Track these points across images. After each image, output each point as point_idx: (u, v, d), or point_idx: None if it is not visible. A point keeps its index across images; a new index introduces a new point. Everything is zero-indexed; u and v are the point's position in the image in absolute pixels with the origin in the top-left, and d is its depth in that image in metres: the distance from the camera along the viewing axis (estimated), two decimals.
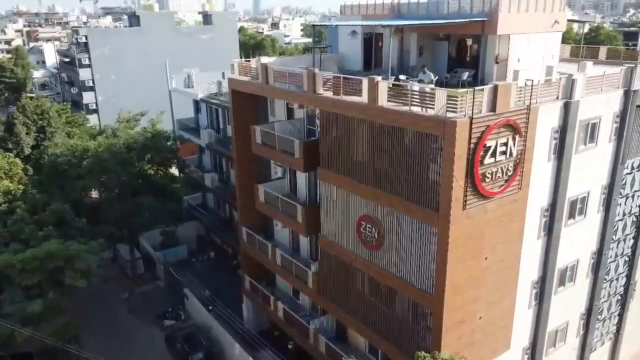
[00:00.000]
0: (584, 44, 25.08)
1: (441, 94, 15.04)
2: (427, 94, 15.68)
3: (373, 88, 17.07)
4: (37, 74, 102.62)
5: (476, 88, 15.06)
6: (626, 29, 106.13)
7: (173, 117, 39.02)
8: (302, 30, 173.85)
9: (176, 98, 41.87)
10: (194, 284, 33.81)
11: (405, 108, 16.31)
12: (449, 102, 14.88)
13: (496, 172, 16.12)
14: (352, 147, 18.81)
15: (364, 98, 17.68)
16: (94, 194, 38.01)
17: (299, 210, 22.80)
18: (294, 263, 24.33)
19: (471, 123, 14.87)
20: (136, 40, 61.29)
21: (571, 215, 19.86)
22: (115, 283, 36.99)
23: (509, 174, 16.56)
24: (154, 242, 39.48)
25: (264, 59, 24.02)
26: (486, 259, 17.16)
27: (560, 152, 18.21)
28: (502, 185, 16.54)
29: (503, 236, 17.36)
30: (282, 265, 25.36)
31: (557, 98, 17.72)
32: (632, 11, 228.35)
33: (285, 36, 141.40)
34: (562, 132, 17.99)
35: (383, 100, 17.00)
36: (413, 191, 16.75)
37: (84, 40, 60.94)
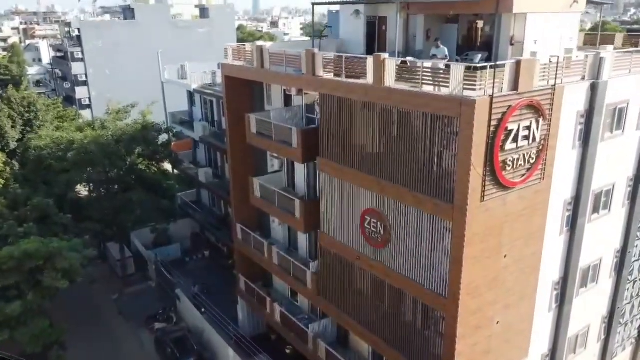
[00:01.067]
0: (595, 32, 23.32)
1: (458, 69, 13.29)
2: (441, 71, 13.94)
3: (379, 67, 15.32)
4: (32, 71, 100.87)
5: (497, 63, 13.30)
6: (628, 27, 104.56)
7: (166, 110, 37.29)
8: (301, 29, 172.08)
9: (170, 91, 40.05)
10: (187, 284, 32.07)
11: (416, 88, 14.57)
12: (466, 78, 13.14)
13: (518, 159, 14.37)
14: (355, 134, 17.07)
15: (368, 79, 15.95)
16: (84, 189, 36.33)
17: (297, 205, 21.05)
18: (291, 262, 22.58)
19: (491, 103, 13.12)
20: (131, 33, 59.53)
21: (595, 209, 18.11)
22: (105, 283, 35.35)
23: (532, 162, 14.81)
24: (147, 240, 37.71)
25: (260, 43, 22.29)
26: (505, 257, 15.41)
27: (586, 138, 16.48)
28: (523, 175, 14.79)
29: (523, 231, 15.62)
30: (279, 264, 23.61)
31: (583, 78, 15.99)
32: (633, 10, 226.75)
33: (285, 34, 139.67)
34: (588, 117, 16.26)
35: (390, 80, 15.26)
36: (424, 182, 14.99)
37: (76, 33, 59.14)
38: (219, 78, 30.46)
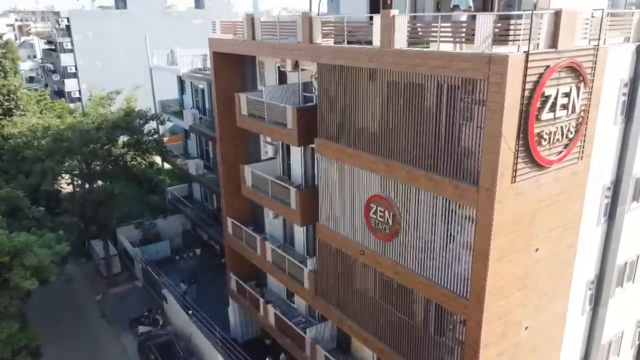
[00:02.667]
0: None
1: (486, 19, 10.90)
2: (464, 23, 11.56)
3: (388, 26, 12.93)
4: (25, 66, 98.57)
5: (535, 12, 10.91)
6: None
7: (154, 98, 34.90)
8: None
9: (161, 81, 37.56)
10: (176, 283, 29.70)
11: (432, 47, 12.21)
12: (497, 30, 10.76)
13: (555, 132, 12.00)
14: (358, 111, 14.69)
15: (375, 42, 13.58)
16: (65, 183, 33.93)
17: (292, 195, 18.68)
18: (286, 259, 20.20)
19: (527, 60, 10.74)
20: (122, 24, 57.03)
21: (635, 197, 15.72)
22: (88, 283, 32.99)
23: (570, 136, 12.43)
24: (134, 237, 35.33)
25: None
26: (537, 250, 13.02)
27: (630, 112, 14.11)
28: (560, 152, 12.41)
29: (558, 220, 13.23)
30: (272, 261, 21.22)
31: (628, 40, 13.62)
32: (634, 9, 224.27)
33: None
34: (633, 86, 13.88)
35: (401, 41, 12.89)
36: (441, 161, 12.60)
37: (65, 23, 56.70)
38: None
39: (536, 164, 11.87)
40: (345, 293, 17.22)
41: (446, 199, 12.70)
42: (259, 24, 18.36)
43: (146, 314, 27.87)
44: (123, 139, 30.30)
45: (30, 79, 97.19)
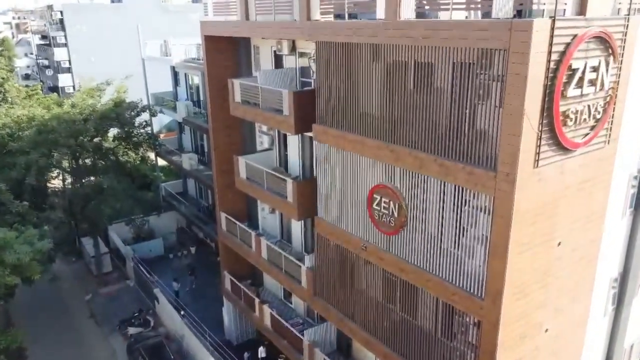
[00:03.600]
0: None
1: None
2: None
3: None
4: (21, 63, 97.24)
5: None
6: None
7: (147, 90, 33.57)
8: None
9: (155, 73, 36.29)
10: (169, 283, 28.43)
11: (442, 17, 10.93)
12: None
13: (581, 112, 10.70)
14: (361, 93, 13.40)
15: (379, 13, 12.30)
16: (55, 178, 32.61)
17: (289, 186, 17.39)
18: (282, 256, 18.91)
19: (553, 27, 9.44)
20: (117, 18, 55.73)
21: None
22: (78, 283, 31.68)
23: (597, 117, 11.13)
24: (127, 235, 34.03)
25: None
26: (559, 244, 11.73)
27: None
28: (586, 135, 11.11)
29: (582, 211, 11.93)
30: (268, 259, 19.92)
31: None
32: None
33: None
34: None
35: (408, 10, 11.61)
36: (453, 145, 11.31)
37: (59, 16, 55.40)
38: None
39: (561, 146, 10.57)
40: (346, 292, 15.94)
41: (459, 188, 11.40)
42: (253, 1, 17.07)
43: (136, 314, 26.58)
44: (114, 132, 29.04)
45: (27, 76, 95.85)
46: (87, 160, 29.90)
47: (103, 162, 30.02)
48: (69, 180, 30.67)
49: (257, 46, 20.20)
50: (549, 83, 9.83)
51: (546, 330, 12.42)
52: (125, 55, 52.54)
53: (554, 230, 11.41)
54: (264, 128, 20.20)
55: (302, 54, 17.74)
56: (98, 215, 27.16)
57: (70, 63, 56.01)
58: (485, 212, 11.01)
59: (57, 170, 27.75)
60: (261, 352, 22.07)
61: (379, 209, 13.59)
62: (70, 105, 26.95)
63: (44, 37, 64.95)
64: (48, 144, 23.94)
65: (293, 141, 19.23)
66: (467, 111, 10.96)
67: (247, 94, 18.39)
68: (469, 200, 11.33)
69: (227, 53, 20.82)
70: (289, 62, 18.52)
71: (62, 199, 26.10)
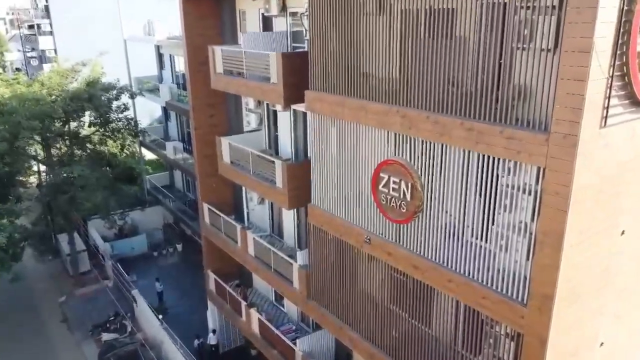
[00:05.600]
0: None
1: None
2: None
3: None
4: (12, 57, 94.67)
5: None
6: None
7: (129, 72, 30.90)
8: None
9: (139, 55, 33.56)
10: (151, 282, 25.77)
11: None
12: None
13: None
14: (363, 51, 10.73)
15: None
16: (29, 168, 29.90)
17: (278, 169, 14.71)
18: (271, 252, 16.23)
19: None
20: (106, 4, 52.91)
21: None
22: (53, 283, 29.03)
23: None
24: (110, 231, 31.31)
25: None
26: (622, 233, 9.04)
27: None
28: None
29: None
30: (255, 255, 17.24)
31: None
32: None
33: None
34: None
35: None
36: (483, 103, 8.62)
37: (44, 3, 52.68)
38: None
39: (635, 101, 7.89)
40: (346, 295, 13.25)
41: (492, 159, 8.70)
42: None
43: (112, 318, 23.90)
44: (90, 117, 26.33)
45: (18, 70, 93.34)
46: (62, 149, 27.27)
47: (80, 152, 27.42)
48: (45, 170, 27.98)
49: (242, 10, 17.53)
50: (623, 18, 7.14)
51: (601, 344, 9.74)
52: (115, 43, 49.93)
53: (617, 214, 8.73)
54: (251, 104, 17.51)
55: (293, 14, 15.07)
56: (70, 210, 24.43)
57: (56, 52, 53.18)
58: (528, 191, 8.32)
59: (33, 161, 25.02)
60: (210, 338, 21.19)
61: (386, 191, 10.89)
62: (40, 84, 24.21)
63: (30, 27, 62.28)
64: (9, 126, 21.14)
65: (284, 119, 16.56)
66: (503, 59, 8.28)
67: (230, 63, 15.72)
68: (507, 176, 8.63)
69: (209, 20, 18.18)
70: (279, 25, 15.87)
71: (40, 191, 23.33)
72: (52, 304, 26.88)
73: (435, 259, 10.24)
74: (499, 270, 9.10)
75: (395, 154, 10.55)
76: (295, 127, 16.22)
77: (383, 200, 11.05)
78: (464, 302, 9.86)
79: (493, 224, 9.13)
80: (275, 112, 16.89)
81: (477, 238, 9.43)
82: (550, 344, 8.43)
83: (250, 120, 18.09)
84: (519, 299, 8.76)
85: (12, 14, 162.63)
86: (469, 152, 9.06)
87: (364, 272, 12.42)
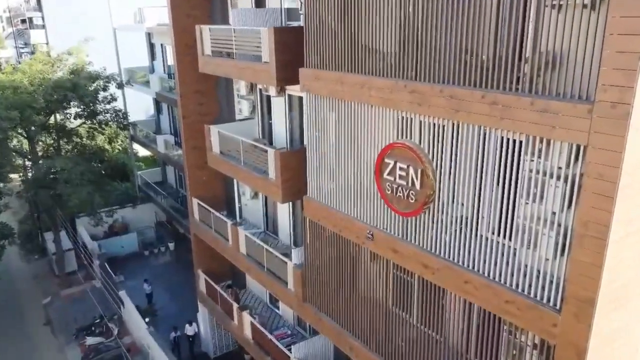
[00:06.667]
0: None
1: None
2: None
3: None
4: (7, 54, 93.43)
5: None
6: None
7: (119, 63, 29.52)
8: None
9: (130, 47, 32.15)
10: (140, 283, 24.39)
11: None
12: None
13: None
14: (365, 21, 9.38)
15: None
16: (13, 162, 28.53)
17: (271, 158, 13.34)
18: (264, 250, 14.87)
19: None
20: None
21: None
22: (38, 284, 27.70)
23: None
24: (98, 229, 29.91)
25: None
26: None
27: None
28: None
29: None
30: (247, 254, 15.89)
31: None
32: None
33: None
34: None
35: None
36: (507, 72, 7.26)
37: None
38: None
39: None
40: (345, 298, 11.89)
41: (520, 138, 7.35)
42: None
43: (97, 321, 22.52)
44: (76, 109, 24.96)
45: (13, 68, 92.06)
46: (48, 142, 25.93)
47: (68, 146, 26.10)
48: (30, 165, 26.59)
49: None
50: None
51: None
52: (107, 35, 48.62)
53: None
54: (242, 90, 16.15)
55: None
56: (54, 206, 23.06)
57: (47, 46, 51.82)
58: (563, 176, 6.97)
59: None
60: (187, 329, 20.47)
61: (392, 179, 9.53)
62: (22, 73, 22.82)
63: (23, 21, 60.86)
64: None
65: (278, 105, 15.21)
66: (532, 20, 6.93)
67: (219, 43, 14.38)
68: (536, 158, 7.27)
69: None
70: (273, 1, 14.53)
71: (22, 186, 21.99)
72: (36, 305, 25.52)
73: (450, 256, 8.87)
74: (525, 270, 7.74)
75: (402, 136, 9.19)
76: (290, 115, 14.88)
77: (388, 190, 9.68)
78: (485, 307, 8.48)
79: (518, 216, 7.77)
80: (268, 98, 15.53)
81: (498, 232, 8.07)
82: (590, 356, 7.07)
83: (242, 108, 16.73)
84: (551, 303, 7.40)
85: (10, 11, 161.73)
86: (489, 131, 7.70)
87: (366, 271, 11.07)
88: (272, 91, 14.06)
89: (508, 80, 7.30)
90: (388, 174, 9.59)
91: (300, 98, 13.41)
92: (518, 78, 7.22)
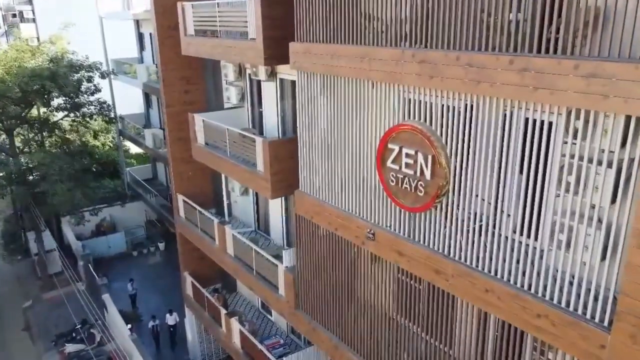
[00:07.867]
0: None
1: None
2: None
3: None
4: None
5: None
6: None
7: (106, 55, 28.07)
8: None
9: (120, 38, 30.72)
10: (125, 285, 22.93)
11: None
12: None
13: None
14: None
15: None
16: None
17: (259, 149, 11.88)
18: (253, 251, 13.41)
19: None
20: None
21: None
22: (20, 286, 26.28)
23: None
24: (87, 229, 28.49)
25: None
26: None
27: None
28: None
29: None
30: (235, 255, 14.44)
31: None
32: None
33: None
34: None
35: None
36: (538, 32, 5.80)
37: None
38: None
39: None
40: (342, 305, 10.45)
41: (559, 111, 5.89)
42: None
43: (79, 327, 21.04)
44: (58, 100, 23.52)
45: None
46: (29, 136, 24.49)
47: (51, 140, 24.68)
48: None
49: None
50: None
51: None
52: (98, 27, 47.24)
53: None
54: (231, 76, 14.68)
55: None
56: (31, 204, 21.61)
57: (38, 40, 50.38)
58: (612, 161, 5.53)
59: None
60: (168, 318, 20.10)
61: (397, 168, 8.07)
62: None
63: (14, 15, 59.45)
64: None
65: (269, 91, 13.74)
66: None
67: (202, 21, 12.94)
68: (574, 140, 5.82)
69: None
70: None
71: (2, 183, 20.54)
72: (15, 309, 24.09)
73: (466, 260, 7.42)
74: (562, 278, 6.29)
75: (409, 117, 7.73)
76: (282, 101, 13.42)
77: (392, 181, 8.22)
78: (508, 321, 7.03)
79: (550, 211, 6.33)
80: (259, 83, 14.09)
81: (530, 233, 6.62)
82: None
83: (230, 95, 15.23)
84: (597, 319, 5.94)
85: (6, 10, 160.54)
86: (521, 106, 6.25)
87: (366, 276, 9.61)
88: (262, 74, 12.67)
89: (543, 40, 5.84)
90: (392, 162, 8.13)
91: (293, 82, 11.95)
92: (557, 39, 5.77)
